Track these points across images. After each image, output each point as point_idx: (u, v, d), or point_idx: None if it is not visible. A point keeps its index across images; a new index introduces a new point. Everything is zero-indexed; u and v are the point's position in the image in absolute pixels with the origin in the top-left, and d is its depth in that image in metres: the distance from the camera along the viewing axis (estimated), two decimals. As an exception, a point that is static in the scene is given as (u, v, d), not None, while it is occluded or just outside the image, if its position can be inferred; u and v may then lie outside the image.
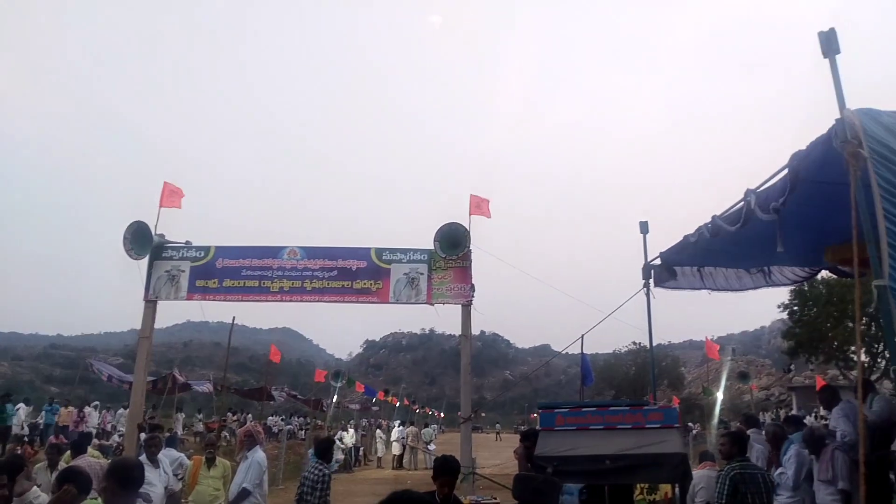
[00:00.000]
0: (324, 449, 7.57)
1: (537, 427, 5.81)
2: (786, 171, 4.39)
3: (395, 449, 26.13)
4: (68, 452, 8.68)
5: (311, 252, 11.08)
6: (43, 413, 21.42)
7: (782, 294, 32.80)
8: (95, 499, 3.77)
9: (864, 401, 6.09)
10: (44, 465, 8.44)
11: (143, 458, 7.55)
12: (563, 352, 17.36)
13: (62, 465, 8.27)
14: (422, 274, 10.83)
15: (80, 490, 3.82)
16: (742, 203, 5.19)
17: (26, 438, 18.68)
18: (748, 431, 7.74)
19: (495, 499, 8.75)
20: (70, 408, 20.62)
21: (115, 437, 22.11)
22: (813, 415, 28.31)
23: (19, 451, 11.98)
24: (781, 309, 34.33)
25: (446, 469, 4.73)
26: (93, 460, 8.10)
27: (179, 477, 8.87)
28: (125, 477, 3.40)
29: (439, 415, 67.08)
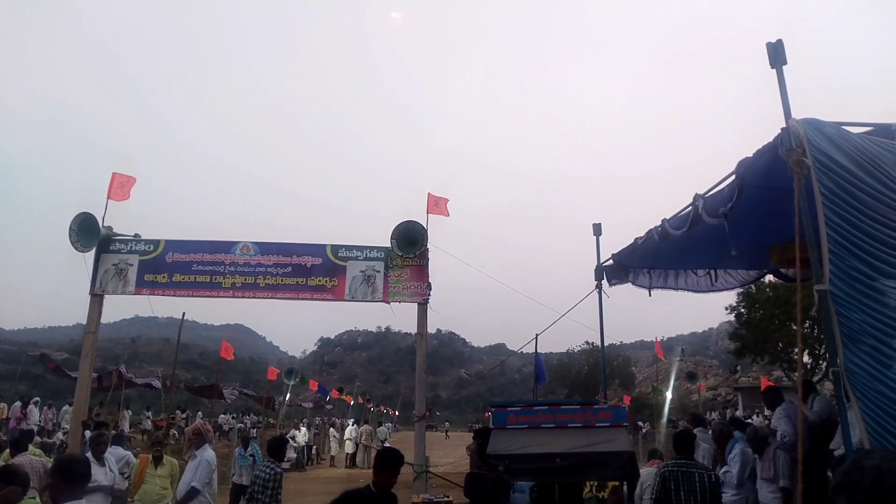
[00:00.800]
0: (276, 447, 7.47)
1: (491, 425, 5.84)
2: (733, 177, 4.51)
3: (349, 447, 25.99)
4: (7, 451, 8.39)
5: (265, 248, 10.91)
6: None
7: (730, 296, 33.75)
8: (33, 498, 3.65)
9: (805, 401, 6.31)
10: (-20, 465, 8.14)
11: (88, 455, 7.34)
12: (519, 351, 17.54)
13: (0, 463, 7.99)
14: (378, 272, 10.77)
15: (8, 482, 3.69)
16: (690, 207, 5.33)
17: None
18: (695, 430, 7.94)
19: (448, 497, 8.78)
20: (2, 404, 19.63)
21: (59, 435, 21.42)
22: (757, 414, 29.21)
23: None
24: (728, 311, 35.37)
25: (395, 461, 4.57)
26: (35, 458, 7.84)
27: (126, 476, 8.65)
28: (71, 473, 3.36)
29: (394, 413, 66.94)
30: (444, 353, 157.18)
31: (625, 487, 5.13)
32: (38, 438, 20.45)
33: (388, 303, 10.73)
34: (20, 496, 3.65)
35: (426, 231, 10.71)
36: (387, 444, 28.35)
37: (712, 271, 7.84)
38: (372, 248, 10.92)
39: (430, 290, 10.71)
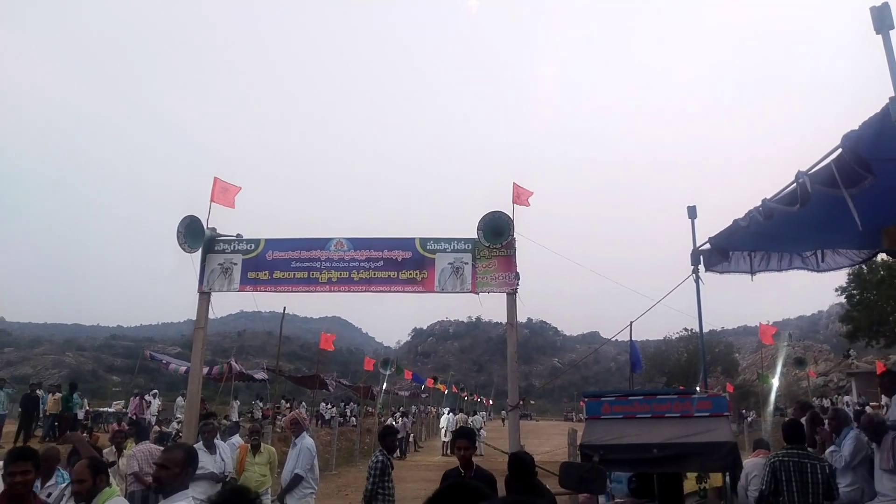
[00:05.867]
0: (381, 436, 7.72)
1: (584, 415, 5.77)
2: (839, 151, 4.24)
3: (444, 436, 26.36)
4: (131, 439, 9.11)
5: (358, 243, 11.19)
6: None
7: (839, 277, 31.81)
8: (110, 485, 3.99)
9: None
10: (111, 450, 8.94)
11: (199, 444, 7.82)
12: (613, 339, 17.19)
13: (127, 451, 8.69)
14: (466, 263, 10.80)
15: (100, 472, 4.02)
16: (794, 185, 5.04)
17: (88, 425, 19.44)
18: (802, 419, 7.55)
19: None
20: (56, 395, 20.32)
21: (174, 425, 22.91)
22: (884, 407, 27.32)
23: (87, 438, 12.54)
24: (839, 292, 33.40)
25: (455, 435, 5.54)
26: (153, 447, 8.47)
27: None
28: (195, 466, 3.75)
29: (488, 402, 67.18)
30: (535, 342, 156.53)
31: (727, 478, 4.96)
32: (156, 428, 21.90)
33: (477, 293, 10.76)
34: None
35: (512, 221, 10.64)
36: (483, 432, 28.66)
37: (819, 251, 7.40)
38: (459, 240, 10.97)
39: (519, 279, 10.65)
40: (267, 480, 8.46)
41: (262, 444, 8.81)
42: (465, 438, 5.40)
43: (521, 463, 4.86)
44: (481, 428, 29.85)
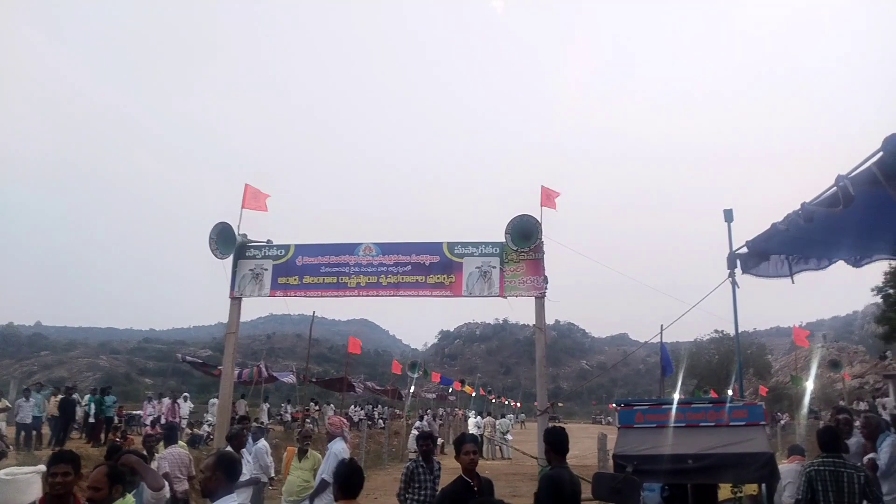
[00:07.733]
0: (416, 441, 7.66)
1: (617, 424, 5.69)
2: (880, 154, 4.12)
3: (473, 439, 26.27)
4: (161, 443, 9.19)
5: (386, 248, 11.22)
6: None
7: (875, 276, 31.07)
8: (124, 496, 4.02)
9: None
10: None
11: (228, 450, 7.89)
12: (644, 343, 16.98)
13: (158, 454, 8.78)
14: (494, 267, 10.75)
15: (117, 482, 4.04)
16: (834, 189, 4.92)
17: (122, 427, 19.66)
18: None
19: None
20: (58, 397, 19.94)
21: (206, 427, 23.19)
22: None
23: (118, 441, 12.74)
24: (875, 292, 32.56)
25: (468, 439, 5.52)
26: (182, 451, 8.55)
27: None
28: (231, 469, 3.76)
29: (516, 405, 66.82)
30: (563, 343, 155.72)
31: (763, 488, 4.84)
32: (187, 431, 22.16)
33: (506, 297, 10.70)
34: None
35: (540, 224, 10.57)
36: (509, 436, 28.46)
37: (858, 256, 7.21)
38: (487, 244, 10.94)
39: (547, 283, 10.58)
40: (309, 486, 8.49)
41: (309, 449, 8.83)
42: (472, 443, 5.46)
43: (555, 436, 4.87)
44: (507, 432, 29.60)
